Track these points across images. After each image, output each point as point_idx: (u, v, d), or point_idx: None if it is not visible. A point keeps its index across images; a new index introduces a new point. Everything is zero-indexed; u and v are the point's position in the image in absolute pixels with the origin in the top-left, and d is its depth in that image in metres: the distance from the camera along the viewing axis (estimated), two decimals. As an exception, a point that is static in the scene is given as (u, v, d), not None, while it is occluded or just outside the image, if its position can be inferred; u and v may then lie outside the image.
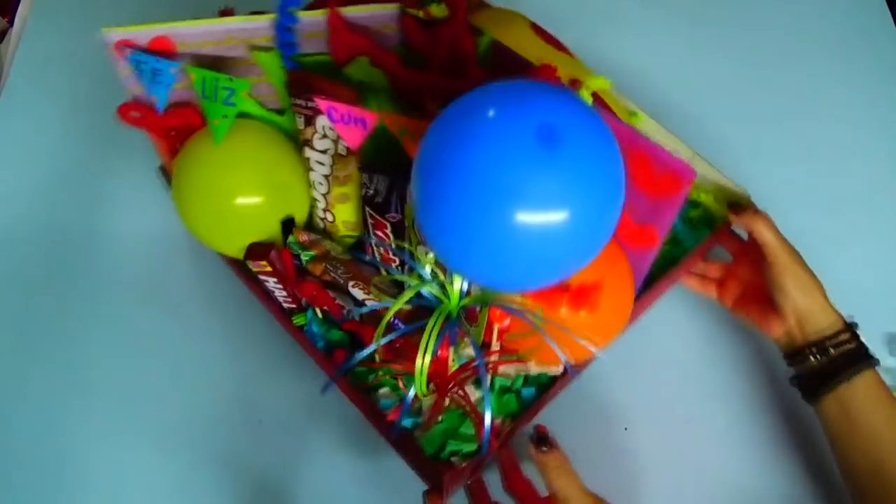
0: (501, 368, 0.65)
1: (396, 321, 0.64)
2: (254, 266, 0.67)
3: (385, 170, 0.65)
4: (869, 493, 0.64)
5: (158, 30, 0.65)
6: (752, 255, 0.72)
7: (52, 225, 0.88)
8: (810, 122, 0.97)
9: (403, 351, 0.61)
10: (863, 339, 0.67)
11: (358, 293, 0.66)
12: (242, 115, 0.69)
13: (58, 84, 0.99)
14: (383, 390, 0.66)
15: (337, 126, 0.62)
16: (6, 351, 0.80)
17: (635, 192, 0.58)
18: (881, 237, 0.89)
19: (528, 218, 0.43)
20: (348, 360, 0.56)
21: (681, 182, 0.56)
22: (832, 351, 0.66)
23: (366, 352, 0.54)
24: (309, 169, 0.69)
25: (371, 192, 0.65)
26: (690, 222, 0.77)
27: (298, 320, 0.71)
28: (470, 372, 0.60)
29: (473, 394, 0.64)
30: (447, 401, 0.61)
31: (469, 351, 0.66)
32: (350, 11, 0.66)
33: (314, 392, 0.76)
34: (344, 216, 0.70)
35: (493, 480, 0.64)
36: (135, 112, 0.69)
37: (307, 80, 0.67)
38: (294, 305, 0.71)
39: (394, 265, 0.68)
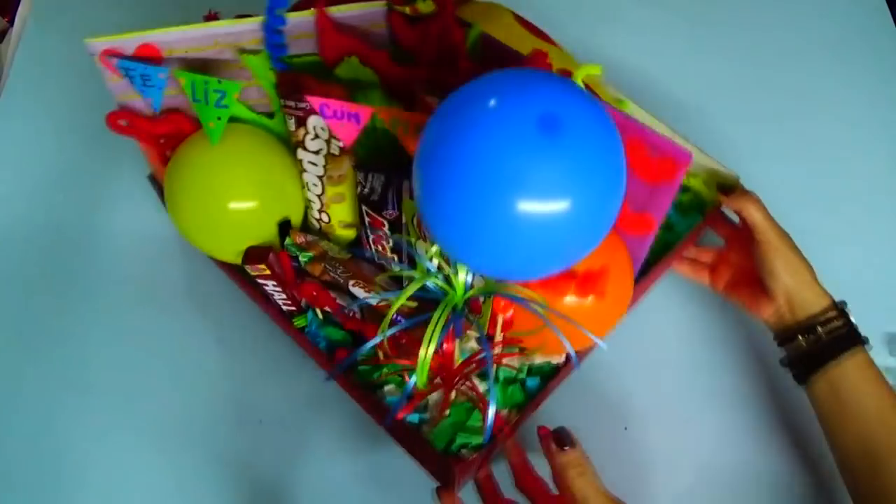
0: (506, 360, 0.65)
1: (399, 317, 0.64)
2: (252, 270, 0.67)
3: (380, 167, 0.65)
4: (860, 474, 0.64)
5: (144, 37, 0.65)
6: (744, 239, 0.73)
7: (50, 224, 0.88)
8: (810, 122, 0.97)
9: (408, 347, 0.61)
10: (852, 319, 0.67)
11: (359, 292, 0.66)
12: (232, 120, 0.68)
13: (57, 84, 0.99)
14: (389, 387, 0.66)
15: (330, 122, 0.62)
16: (3, 350, 0.80)
17: (633, 180, 0.59)
18: (881, 237, 0.89)
19: (532, 207, 0.43)
20: (353, 353, 0.56)
21: (677, 166, 0.56)
22: (821, 331, 0.66)
23: (372, 342, 0.54)
24: (302, 170, 0.69)
25: (367, 190, 0.65)
26: (681, 207, 0.78)
27: (299, 322, 0.71)
28: (475, 365, 0.60)
29: (479, 386, 0.64)
30: (454, 394, 0.62)
31: (472, 344, 0.66)
32: (337, 11, 0.66)
33: (313, 391, 0.76)
34: (340, 216, 0.70)
35: (503, 479, 0.65)
36: (122, 120, 0.69)
37: (297, 81, 0.66)
38: (294, 308, 0.71)
39: (393, 262, 0.69)
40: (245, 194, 0.67)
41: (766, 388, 0.78)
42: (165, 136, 0.71)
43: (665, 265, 0.74)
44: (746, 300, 0.73)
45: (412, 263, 0.66)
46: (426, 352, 0.50)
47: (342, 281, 0.66)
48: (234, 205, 0.67)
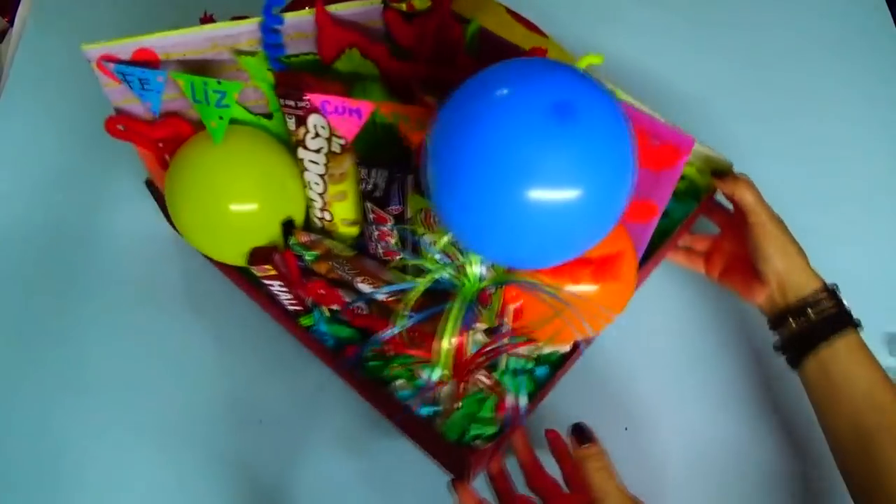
0: (521, 349, 0.65)
1: (408, 311, 0.64)
2: (258, 271, 0.67)
3: (382, 163, 0.65)
4: (851, 456, 0.64)
5: (140, 42, 0.65)
6: (738, 226, 0.73)
7: (49, 224, 0.88)
8: (810, 122, 0.98)
9: (419, 340, 0.61)
10: (845, 302, 0.68)
11: (366, 288, 0.66)
12: (231, 122, 0.68)
13: (57, 84, 0.99)
14: (399, 382, 0.66)
15: (331, 118, 0.62)
16: (2, 349, 0.80)
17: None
18: (881, 237, 0.90)
19: (545, 195, 0.44)
20: (366, 345, 0.56)
21: (679, 152, 0.57)
22: (811, 313, 0.67)
23: (389, 333, 0.55)
24: (303, 169, 0.69)
25: (370, 186, 0.66)
26: (676, 194, 0.78)
27: (305, 321, 0.71)
28: (485, 357, 0.61)
29: (488, 378, 0.65)
30: (464, 386, 0.62)
31: (479, 336, 0.66)
32: (333, 9, 0.66)
33: (312, 390, 0.77)
34: (342, 214, 0.71)
35: (515, 476, 0.66)
36: (120, 125, 0.69)
37: (296, 80, 0.66)
38: (300, 307, 0.71)
39: (397, 257, 0.69)
40: (247, 196, 0.67)
41: (764, 376, 0.79)
42: (164, 140, 0.70)
43: (664, 251, 0.75)
44: (739, 286, 0.73)
45: (418, 256, 0.67)
46: (448, 343, 0.51)
47: (349, 278, 0.67)
48: (236, 206, 0.67)
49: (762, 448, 0.76)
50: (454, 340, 0.51)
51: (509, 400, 0.58)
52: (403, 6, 0.67)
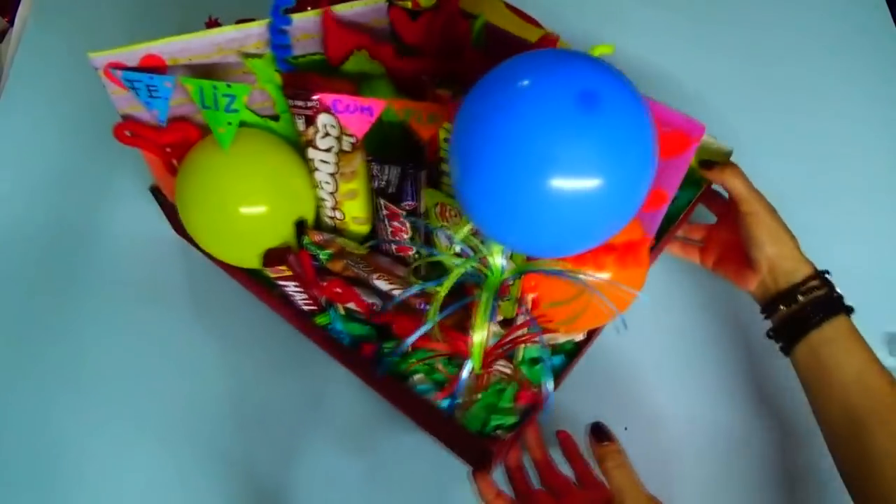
0: (549, 336, 0.66)
1: (426, 306, 0.65)
2: (273, 272, 0.67)
3: (394, 160, 0.66)
4: (842, 441, 0.65)
5: (147, 48, 0.65)
6: (733, 214, 0.73)
7: (49, 224, 0.88)
8: (810, 119, 0.99)
9: (444, 334, 0.62)
10: (837, 289, 0.68)
11: (382, 284, 0.67)
12: (239, 125, 0.68)
13: (57, 85, 0.99)
14: (417, 377, 0.67)
15: (342, 117, 0.62)
16: (3, 349, 0.80)
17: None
18: (881, 236, 0.90)
19: (568, 183, 0.44)
20: (400, 347, 0.57)
21: (690, 139, 0.58)
22: (801, 298, 0.67)
23: (424, 329, 0.55)
24: (314, 169, 0.69)
25: (382, 183, 0.66)
26: (678, 181, 0.80)
27: (321, 321, 0.71)
28: (505, 348, 0.61)
29: (506, 368, 0.66)
30: (487, 377, 0.63)
31: (495, 328, 0.67)
32: (338, 9, 0.67)
33: (313, 390, 0.77)
34: (353, 212, 0.71)
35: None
36: (128, 131, 0.69)
37: (304, 81, 0.67)
38: (314, 307, 0.71)
39: (410, 252, 0.70)
40: (259, 198, 0.67)
41: (766, 368, 0.80)
42: (172, 145, 0.71)
43: (669, 237, 0.76)
44: (732, 273, 0.73)
45: (433, 248, 0.67)
46: (480, 336, 0.51)
47: (365, 275, 0.67)
48: (248, 210, 0.67)
49: (766, 440, 0.77)
50: (484, 333, 0.52)
51: (533, 387, 0.59)
52: (409, 4, 0.68)
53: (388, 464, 0.74)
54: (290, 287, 0.69)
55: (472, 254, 0.55)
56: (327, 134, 0.67)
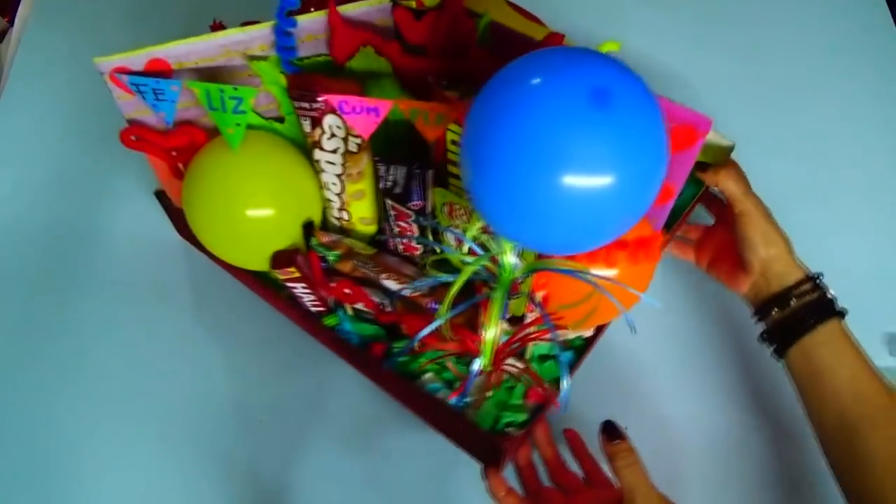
0: (563, 333, 0.66)
1: (435, 305, 0.65)
2: (281, 274, 0.67)
3: (400, 160, 0.66)
4: (836, 445, 0.64)
5: (152, 52, 0.65)
6: (728, 216, 0.72)
7: (50, 224, 0.88)
8: (810, 118, 0.99)
9: (454, 333, 0.62)
10: (829, 291, 0.67)
11: (392, 284, 0.67)
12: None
13: (58, 85, 0.99)
14: (427, 376, 0.67)
15: (348, 118, 0.62)
16: (4, 346, 0.80)
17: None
18: (881, 235, 0.90)
19: (580, 181, 0.44)
20: (408, 345, 0.57)
21: (697, 133, 0.58)
22: (793, 302, 0.66)
23: (434, 325, 0.55)
24: (320, 171, 0.70)
25: (389, 183, 0.66)
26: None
27: (330, 321, 0.71)
28: (516, 346, 0.62)
29: (515, 366, 0.66)
30: (498, 375, 0.63)
31: (506, 326, 0.67)
32: (343, 10, 0.67)
33: (314, 390, 0.77)
34: (360, 212, 0.71)
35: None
36: (134, 135, 0.69)
37: (309, 82, 0.67)
38: (323, 308, 0.72)
39: (417, 252, 0.70)
40: (266, 200, 0.67)
41: (765, 370, 0.79)
42: (178, 149, 0.71)
43: (673, 233, 0.76)
44: (725, 275, 0.73)
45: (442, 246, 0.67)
46: (492, 334, 0.52)
47: (373, 275, 0.67)
48: (255, 212, 0.67)
49: (765, 440, 0.77)
50: (496, 331, 0.52)
51: (543, 384, 0.59)
52: (413, 3, 0.68)
53: (393, 464, 0.74)
54: (299, 288, 0.69)
55: (482, 252, 0.56)
56: (333, 135, 0.67)
